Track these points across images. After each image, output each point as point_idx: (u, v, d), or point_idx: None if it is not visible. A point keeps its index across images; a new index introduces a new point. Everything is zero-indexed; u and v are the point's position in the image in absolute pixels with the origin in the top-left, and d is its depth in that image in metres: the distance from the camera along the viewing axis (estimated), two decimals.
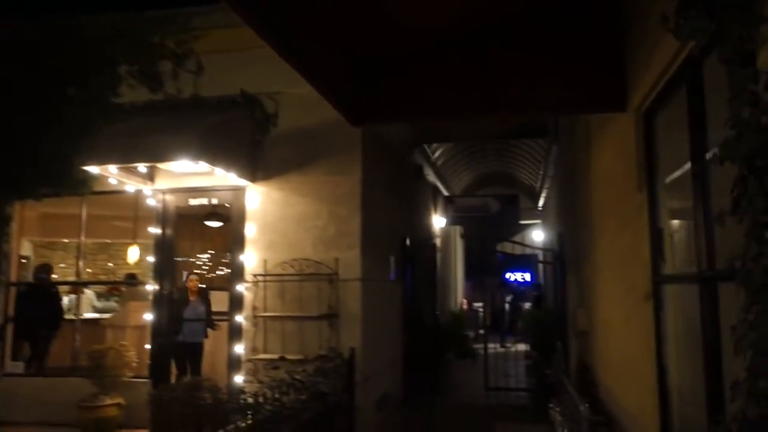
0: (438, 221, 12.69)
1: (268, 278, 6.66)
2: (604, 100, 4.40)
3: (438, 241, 11.50)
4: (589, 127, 6.23)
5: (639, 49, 3.83)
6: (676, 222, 3.63)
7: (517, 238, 12.33)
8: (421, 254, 9.51)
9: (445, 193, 13.36)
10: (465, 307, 17.67)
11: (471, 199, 8.89)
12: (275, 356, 6.41)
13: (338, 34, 4.27)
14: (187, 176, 6.82)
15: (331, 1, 3.98)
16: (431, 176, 11.52)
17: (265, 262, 6.70)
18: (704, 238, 2.88)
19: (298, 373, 5.29)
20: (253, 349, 6.57)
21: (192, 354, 7.22)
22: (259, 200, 6.84)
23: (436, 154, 11.56)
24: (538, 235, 15.63)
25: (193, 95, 6.90)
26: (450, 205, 9.28)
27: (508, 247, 21.73)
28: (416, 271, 9.15)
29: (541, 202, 14.23)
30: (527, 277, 23.48)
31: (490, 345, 16.51)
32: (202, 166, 6.13)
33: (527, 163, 13.17)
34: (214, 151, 5.92)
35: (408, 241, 8.81)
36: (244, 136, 6.80)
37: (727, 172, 2.66)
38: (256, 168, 6.87)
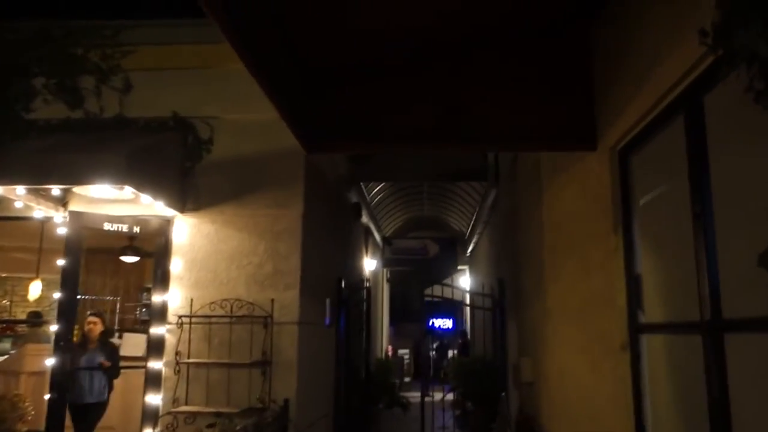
0: (369, 264, 12.30)
1: (194, 320, 6.00)
2: (573, 138, 4.22)
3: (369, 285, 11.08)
4: (540, 168, 6.09)
5: (617, 84, 3.68)
6: (655, 267, 3.42)
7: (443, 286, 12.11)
8: (354, 298, 9.05)
9: (377, 235, 13.04)
10: (390, 353, 17.20)
11: (410, 241, 8.59)
12: (199, 408, 5.70)
13: (294, 47, 3.89)
14: (105, 203, 6.11)
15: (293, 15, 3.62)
16: (364, 217, 11.18)
17: (191, 301, 6.05)
18: (708, 284, 2.65)
19: (232, 427, 4.65)
20: (174, 401, 5.82)
21: (87, 415, 6.36)
22: (188, 233, 6.22)
23: (372, 193, 11.26)
24: (465, 282, 15.54)
25: (117, 115, 6.30)
26: (387, 246, 8.92)
27: (435, 293, 21.65)
28: (349, 316, 8.67)
29: (470, 248, 14.18)
30: (449, 323, 23.41)
31: (414, 393, 16.14)
32: (126, 192, 5.49)
33: (460, 207, 13.12)
34: (141, 175, 5.30)
35: (343, 284, 8.35)
36: (174, 162, 6.20)
37: (730, 213, 2.46)
38: (186, 197, 6.26)
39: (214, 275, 6.11)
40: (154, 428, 5.76)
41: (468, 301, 8.36)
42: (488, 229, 11.50)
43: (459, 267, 15.14)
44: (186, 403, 5.85)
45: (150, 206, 5.81)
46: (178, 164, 6.25)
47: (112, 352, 6.63)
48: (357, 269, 10.71)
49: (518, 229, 7.72)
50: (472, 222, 12.95)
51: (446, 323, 23.08)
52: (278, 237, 6.15)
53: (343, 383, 8.25)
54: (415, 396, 15.41)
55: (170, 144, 6.16)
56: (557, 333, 5.42)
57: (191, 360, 5.90)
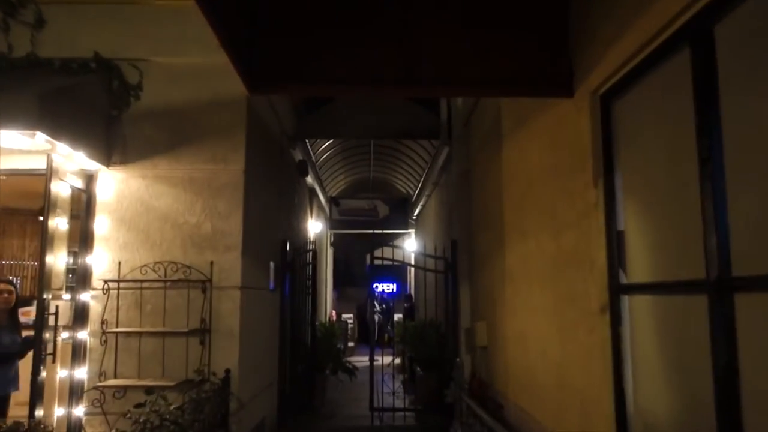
0: (314, 226, 11.82)
1: (122, 285, 5.40)
2: (546, 83, 3.84)
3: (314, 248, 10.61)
4: (501, 122, 5.75)
5: (602, 20, 3.31)
6: (641, 223, 3.11)
7: (387, 249, 11.79)
8: (299, 261, 8.58)
9: (321, 196, 12.53)
10: (333, 318, 16.88)
11: (358, 202, 8.15)
12: (130, 382, 5.17)
13: None
14: (14, 154, 5.36)
15: None
16: (309, 177, 10.63)
17: (119, 264, 5.44)
18: (716, 239, 2.34)
19: (165, 405, 4.14)
20: (101, 374, 5.26)
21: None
22: (115, 189, 5.57)
23: (317, 152, 10.71)
24: (411, 245, 15.27)
25: (29, 54, 5.51)
26: (334, 207, 8.45)
27: (384, 255, 21.33)
28: (294, 280, 8.21)
29: (416, 211, 13.87)
30: (393, 287, 23.26)
31: (359, 358, 15.94)
32: (39, 140, 4.78)
33: (408, 169, 12.74)
34: (56, 120, 4.60)
35: (288, 246, 7.86)
36: (97, 109, 5.50)
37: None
38: (112, 149, 5.59)
39: (145, 236, 5.51)
40: (76, 404, 5.19)
41: (417, 264, 8.03)
42: (438, 191, 11.18)
43: (401, 231, 14.85)
44: (115, 376, 5.30)
45: (68, 158, 5.12)
46: (102, 112, 5.56)
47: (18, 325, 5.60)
48: (302, 231, 10.21)
49: (474, 189, 7.40)
50: (420, 184, 12.61)
51: (390, 287, 22.91)
52: (217, 194, 5.59)
53: (288, 350, 7.84)
54: (360, 360, 15.22)
55: (92, 88, 5.44)
56: (518, 295, 5.15)
57: (120, 329, 5.33)
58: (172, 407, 4.10)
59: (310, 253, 8.95)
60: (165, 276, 5.42)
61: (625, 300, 3.19)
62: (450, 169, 8.96)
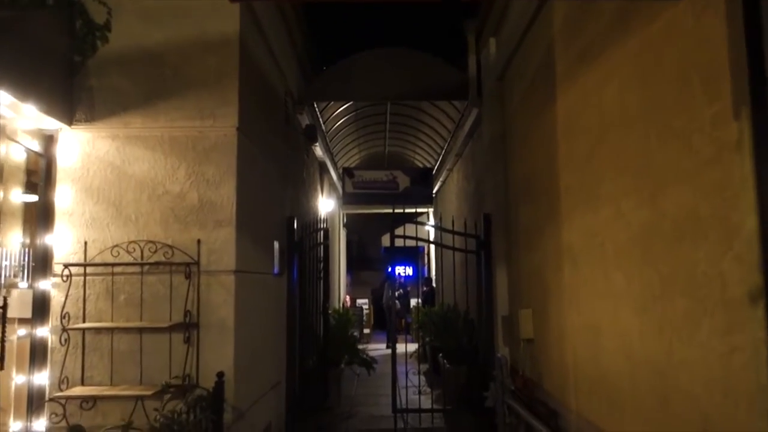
0: (325, 204, 10.77)
1: (89, 270, 4.39)
2: None
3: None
4: (553, 64, 4.63)
5: None
6: None
7: (410, 227, 10.72)
8: (309, 242, 7.54)
9: (333, 172, 11.45)
10: (348, 304, 15.91)
11: (375, 173, 7.10)
12: (99, 391, 4.17)
13: None
14: None
15: None
16: (319, 150, 9.56)
17: (85, 245, 4.42)
18: None
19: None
20: (62, 381, 4.27)
21: None
22: (80, 152, 4.54)
23: (326, 121, 9.62)
24: (433, 223, 14.17)
25: None
26: (348, 179, 7.39)
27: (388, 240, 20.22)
28: (304, 263, 7.17)
29: (436, 187, 12.77)
30: (409, 271, 22.22)
31: (375, 346, 14.98)
32: None
33: (427, 140, 11.62)
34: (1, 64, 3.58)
35: (295, 224, 6.82)
36: (55, 53, 4.45)
37: None
38: (76, 104, 4.55)
39: (117, 210, 4.48)
40: (36, 417, 4.21)
41: (443, 243, 6.97)
42: (462, 163, 10.06)
43: (418, 210, 13.75)
44: (82, 383, 4.31)
45: (18, 111, 4.08)
46: (62, 57, 4.51)
47: None
48: (312, 209, 9.17)
49: (511, 154, 6.29)
50: (441, 157, 11.49)
51: (407, 270, 21.88)
52: (205, 157, 4.54)
53: (296, 343, 6.83)
54: (376, 349, 14.29)
55: (46, 26, 4.38)
56: (583, 279, 4.06)
57: (87, 324, 4.32)
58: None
59: (322, 232, 7.90)
60: (142, 258, 4.40)
61: None
62: (479, 134, 7.86)
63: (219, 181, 4.51)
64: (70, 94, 4.53)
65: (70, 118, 4.52)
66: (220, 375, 4.27)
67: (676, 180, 2.77)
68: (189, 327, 4.31)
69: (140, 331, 4.35)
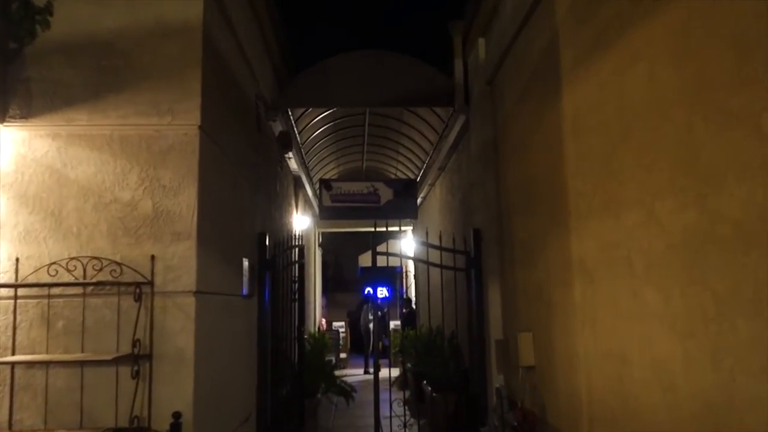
0: (300, 222, 10.14)
1: (21, 292, 3.71)
2: None
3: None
4: (557, 55, 4.15)
5: None
6: None
7: (382, 247, 10.13)
8: (283, 260, 6.89)
9: (308, 188, 10.84)
10: (324, 327, 15.19)
11: (354, 184, 6.53)
12: None
13: None
14: None
15: None
16: (294, 163, 8.96)
17: (17, 262, 3.74)
18: None
19: None
20: None
21: None
22: (13, 154, 3.88)
23: (301, 131, 9.02)
24: (407, 244, 13.60)
25: None
26: (325, 191, 6.80)
27: (366, 260, 19.59)
28: (276, 283, 6.52)
29: (419, 202, 12.21)
30: (386, 292, 21.55)
31: (353, 371, 14.26)
32: None
33: (407, 155, 11.09)
34: None
35: (267, 241, 6.19)
36: None
37: None
38: (10, 97, 3.91)
39: (56, 221, 3.82)
40: None
41: (427, 261, 6.38)
42: (445, 177, 9.55)
43: (402, 228, 13.16)
44: (10, 428, 3.60)
45: None
46: None
47: None
48: (286, 226, 8.53)
49: (505, 161, 5.78)
50: (422, 170, 10.97)
51: (383, 292, 21.22)
52: (162, 160, 3.91)
53: (268, 371, 6.15)
54: (354, 374, 13.58)
55: None
56: (601, 297, 3.52)
57: (17, 358, 3.62)
58: None
59: (297, 249, 7.27)
60: (84, 278, 3.73)
61: None
62: (465, 144, 7.35)
63: (177, 187, 3.88)
64: (3, 85, 3.88)
65: (2, 114, 3.86)
66: (177, 416, 3.61)
67: (738, 173, 2.24)
68: (138, 359, 3.64)
69: (81, 364, 3.67)
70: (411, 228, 14.50)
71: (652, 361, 2.92)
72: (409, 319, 13.45)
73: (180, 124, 3.93)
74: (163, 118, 3.93)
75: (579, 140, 3.86)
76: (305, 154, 9.98)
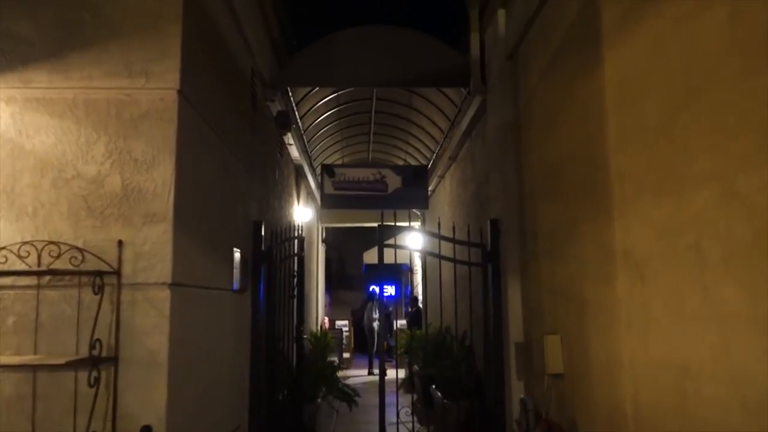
0: (302, 214, 9.56)
1: None
2: None
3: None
4: (597, 17, 3.55)
5: None
6: None
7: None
8: (281, 252, 6.31)
9: (311, 178, 10.25)
10: (326, 326, 14.62)
11: (360, 171, 5.94)
12: None
13: None
14: None
15: None
16: (295, 152, 8.38)
17: None
18: None
19: None
20: None
21: None
22: None
23: (305, 113, 8.43)
24: (413, 239, 13.00)
25: None
26: (327, 178, 6.21)
27: (370, 257, 19.00)
28: (273, 278, 5.93)
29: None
30: (392, 290, 20.97)
31: (356, 372, 13.68)
32: None
33: (416, 144, 10.50)
34: None
35: (263, 231, 5.61)
36: None
37: None
38: None
39: (7, 198, 3.25)
40: None
41: (441, 254, 5.79)
42: (456, 167, 8.95)
43: (402, 224, 12.55)
44: None
45: None
46: None
47: None
48: (285, 217, 7.96)
49: (527, 144, 5.18)
50: (432, 161, 10.37)
51: (389, 290, 20.66)
52: (133, 129, 3.33)
53: (263, 376, 5.57)
54: (357, 375, 13.01)
55: None
56: (657, 294, 2.92)
57: None
58: None
59: (296, 241, 6.68)
60: (39, 266, 3.16)
61: None
62: (480, 131, 6.76)
63: (152, 160, 3.31)
64: None
65: None
66: (146, 429, 3.04)
67: None
68: (99, 363, 3.06)
69: (34, 368, 3.10)
70: (419, 223, 13.90)
71: (730, 374, 2.32)
72: (416, 319, 12.86)
73: (155, 87, 3.36)
74: (135, 81, 3.36)
75: (625, 111, 3.26)
76: (308, 142, 9.40)
